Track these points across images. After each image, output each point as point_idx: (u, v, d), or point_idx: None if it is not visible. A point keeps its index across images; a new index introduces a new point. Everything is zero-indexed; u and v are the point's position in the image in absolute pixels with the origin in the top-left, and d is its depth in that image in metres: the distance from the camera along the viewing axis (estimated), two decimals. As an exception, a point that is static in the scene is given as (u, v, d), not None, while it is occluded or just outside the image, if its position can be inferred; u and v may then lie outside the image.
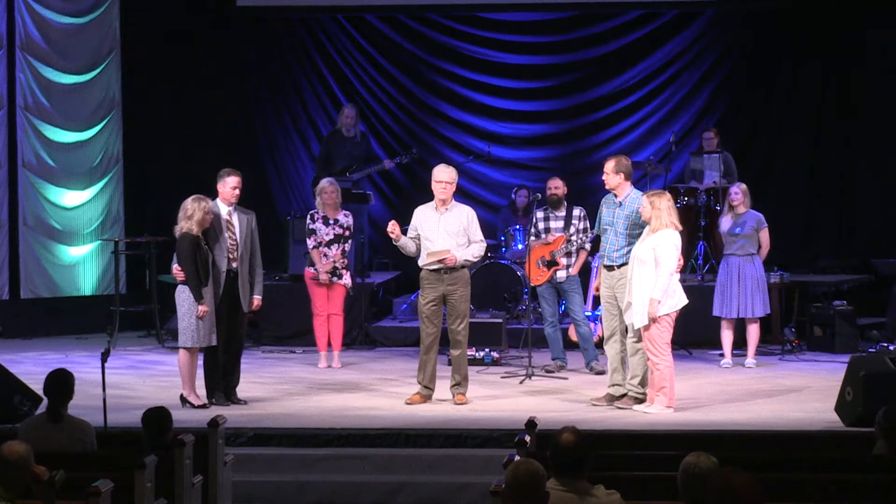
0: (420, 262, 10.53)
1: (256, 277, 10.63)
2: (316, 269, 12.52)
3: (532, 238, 12.34)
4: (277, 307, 13.73)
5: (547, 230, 12.28)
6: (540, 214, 12.40)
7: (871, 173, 15.64)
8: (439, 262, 10.37)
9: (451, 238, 10.43)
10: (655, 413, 9.96)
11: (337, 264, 12.53)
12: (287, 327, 13.94)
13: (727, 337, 12.59)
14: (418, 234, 10.51)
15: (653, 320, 9.93)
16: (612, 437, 8.32)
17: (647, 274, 9.94)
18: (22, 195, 14.83)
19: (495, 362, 12.60)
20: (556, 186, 12.38)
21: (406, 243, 10.52)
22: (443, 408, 10.41)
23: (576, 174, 15.79)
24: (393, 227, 10.37)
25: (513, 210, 15.20)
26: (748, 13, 15.87)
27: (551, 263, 12.08)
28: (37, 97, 14.88)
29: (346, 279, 12.64)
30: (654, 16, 16.10)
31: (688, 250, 13.13)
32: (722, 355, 12.62)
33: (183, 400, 10.30)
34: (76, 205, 15.24)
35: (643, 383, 10.20)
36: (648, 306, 9.92)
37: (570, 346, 12.44)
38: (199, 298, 10.11)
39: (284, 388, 11.39)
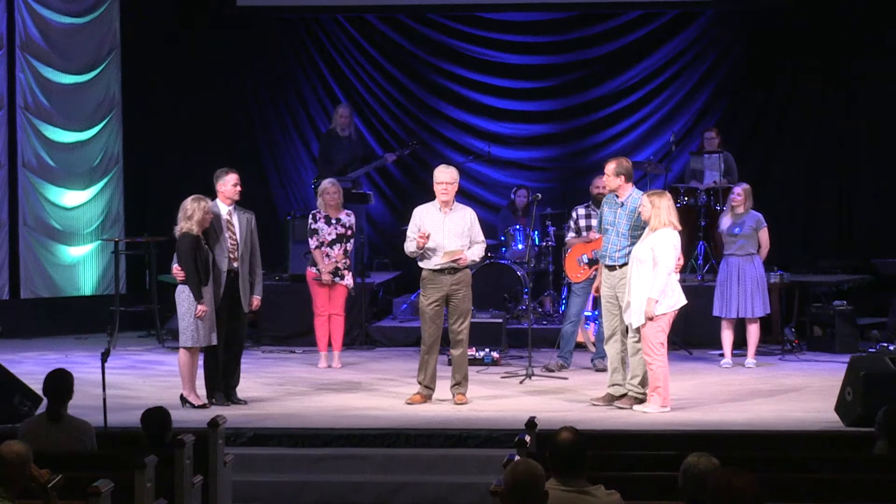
0: (427, 263, 10.46)
1: (256, 277, 10.64)
2: (318, 269, 12.52)
3: (571, 234, 12.34)
4: (277, 307, 13.73)
5: (588, 228, 12.24)
6: (581, 212, 12.38)
7: (871, 173, 15.64)
8: (453, 261, 10.37)
9: (456, 239, 10.42)
10: (650, 412, 9.97)
11: (339, 264, 12.53)
12: (287, 327, 13.93)
13: (727, 337, 12.59)
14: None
15: (650, 319, 9.94)
16: (611, 437, 8.32)
17: (646, 273, 9.95)
18: (22, 195, 14.83)
19: (495, 362, 12.60)
20: (604, 185, 11.41)
21: (418, 249, 10.47)
22: (443, 408, 10.41)
23: (576, 174, 15.82)
24: (423, 237, 10.35)
25: (512, 210, 15.20)
26: (748, 13, 15.87)
27: (593, 262, 11.97)
28: (37, 97, 14.88)
29: (348, 279, 12.64)
30: (654, 16, 16.09)
31: (688, 250, 13.13)
32: (722, 355, 12.62)
33: (183, 400, 10.30)
34: (76, 205, 15.24)
35: (643, 383, 10.20)
36: (646, 305, 9.93)
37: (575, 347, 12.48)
38: (198, 298, 10.11)
39: (284, 388, 11.39)
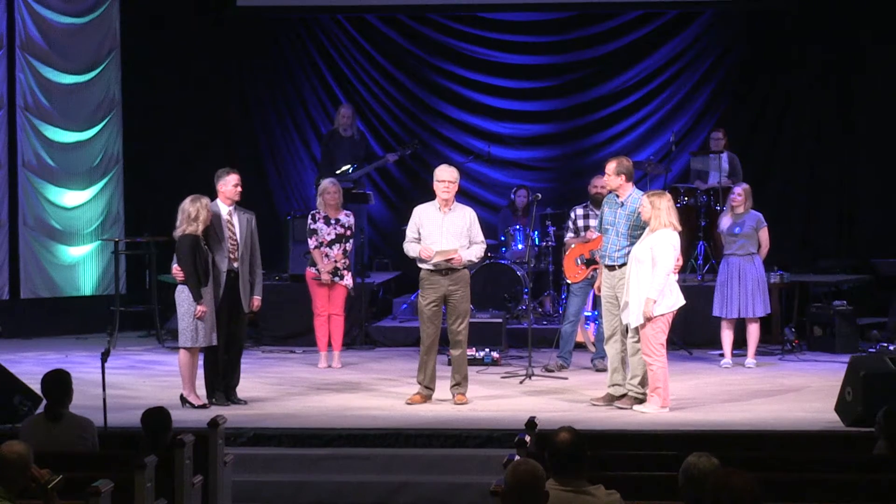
0: (423, 263, 10.47)
1: (256, 278, 10.64)
2: (317, 270, 12.53)
3: (570, 235, 12.34)
4: (277, 307, 13.73)
5: (586, 228, 12.24)
6: (580, 212, 12.37)
7: (871, 173, 15.63)
8: (446, 261, 10.36)
9: (454, 239, 10.42)
10: (650, 413, 9.97)
11: (338, 264, 12.54)
12: (287, 327, 13.93)
13: (727, 337, 12.59)
14: (419, 234, 10.50)
15: (648, 320, 9.94)
16: (611, 437, 8.32)
17: (645, 274, 9.96)
18: (22, 195, 14.83)
19: (495, 362, 12.59)
20: (602, 185, 11.56)
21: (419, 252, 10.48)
22: (443, 408, 10.41)
23: (576, 174, 15.82)
24: (429, 252, 10.33)
25: (512, 210, 15.20)
26: (748, 13, 15.88)
27: (590, 262, 11.98)
28: (37, 97, 14.88)
29: (348, 279, 12.65)
30: (654, 16, 16.10)
31: (688, 250, 13.13)
32: (722, 355, 12.62)
33: (183, 400, 10.30)
34: (76, 205, 15.24)
35: (643, 383, 10.20)
36: (644, 306, 9.93)
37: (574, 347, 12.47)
38: (197, 298, 10.11)
39: (284, 388, 11.39)
